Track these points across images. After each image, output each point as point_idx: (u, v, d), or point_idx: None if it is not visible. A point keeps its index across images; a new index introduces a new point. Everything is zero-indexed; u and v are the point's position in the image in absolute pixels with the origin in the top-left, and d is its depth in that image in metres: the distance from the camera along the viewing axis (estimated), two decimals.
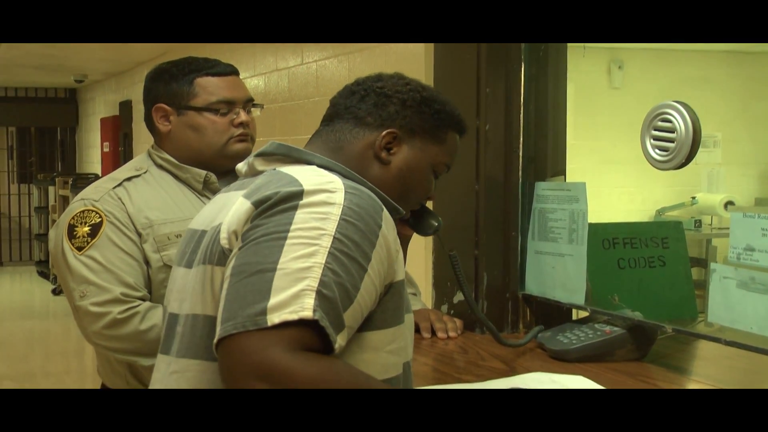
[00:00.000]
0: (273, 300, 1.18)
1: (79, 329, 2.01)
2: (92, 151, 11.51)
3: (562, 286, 2.23)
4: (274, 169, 1.42)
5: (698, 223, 5.85)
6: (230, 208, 1.35)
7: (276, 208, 1.27)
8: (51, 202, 10.02)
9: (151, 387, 1.43)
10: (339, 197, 1.28)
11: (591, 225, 2.22)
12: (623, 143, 5.25)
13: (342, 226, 1.25)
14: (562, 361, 2.02)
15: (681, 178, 5.76)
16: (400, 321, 1.37)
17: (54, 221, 9.66)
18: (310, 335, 1.19)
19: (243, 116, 2.07)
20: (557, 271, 2.24)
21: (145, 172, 2.09)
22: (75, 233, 1.98)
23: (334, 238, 1.24)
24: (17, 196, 12.99)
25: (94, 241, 1.97)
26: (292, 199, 1.28)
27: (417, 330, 2.23)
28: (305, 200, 1.27)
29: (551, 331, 2.13)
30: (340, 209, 1.27)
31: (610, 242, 2.29)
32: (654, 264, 2.32)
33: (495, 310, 2.34)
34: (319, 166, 1.42)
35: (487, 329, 2.07)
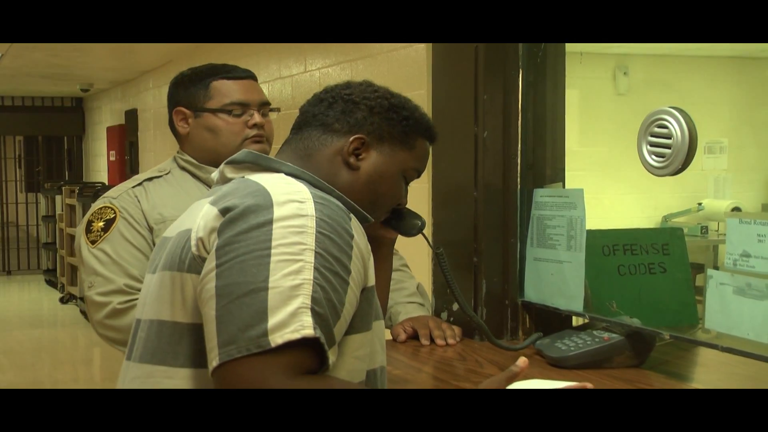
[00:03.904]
0: (272, 320, 1.18)
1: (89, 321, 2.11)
2: (99, 159, 11.54)
3: (561, 293, 2.22)
4: (243, 177, 1.42)
5: (705, 230, 5.83)
6: (197, 215, 1.35)
7: (248, 222, 1.27)
8: (58, 211, 10.02)
9: None
10: (309, 208, 1.29)
11: (591, 231, 2.21)
12: (629, 150, 5.21)
13: (320, 240, 1.26)
14: (561, 368, 2.01)
15: (688, 184, 5.75)
16: (368, 328, 1.38)
17: (61, 230, 9.68)
18: (309, 354, 1.20)
19: (257, 118, 2.13)
20: (556, 278, 2.23)
21: (167, 173, 2.19)
22: (91, 228, 2.09)
23: (316, 252, 1.24)
24: (25, 205, 13.02)
25: (106, 235, 2.07)
26: (262, 211, 1.28)
27: (415, 337, 2.23)
28: (277, 213, 1.27)
29: (550, 337, 2.13)
30: (314, 221, 1.27)
31: (610, 249, 2.29)
32: (654, 270, 2.31)
33: (494, 318, 2.33)
34: (287, 174, 1.42)
35: (479, 329, 2.07)
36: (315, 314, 1.20)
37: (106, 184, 9.86)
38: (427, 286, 2.54)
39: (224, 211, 1.30)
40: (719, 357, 1.92)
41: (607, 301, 2.25)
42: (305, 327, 1.18)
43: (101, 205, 2.13)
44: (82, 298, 8.71)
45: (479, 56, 2.30)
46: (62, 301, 9.56)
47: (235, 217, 1.28)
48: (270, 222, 1.26)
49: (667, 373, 2.00)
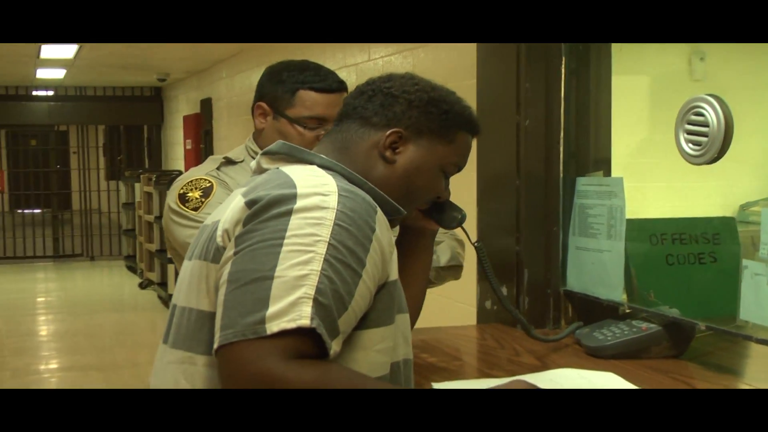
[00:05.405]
0: (271, 309, 1.20)
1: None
2: (176, 148, 11.74)
3: (602, 282, 2.20)
4: (277, 168, 1.44)
5: None
6: (230, 206, 1.38)
7: (270, 212, 1.29)
8: (137, 198, 10.25)
9: (152, 374, 1.46)
10: (332, 201, 1.29)
11: (638, 221, 2.19)
12: None
13: (336, 232, 1.26)
14: (598, 357, 2.00)
15: None
16: (390, 321, 1.38)
17: (140, 217, 9.91)
18: (307, 342, 1.21)
19: None
20: (596, 267, 2.22)
21: (241, 161, 2.20)
22: (188, 198, 2.09)
23: (329, 244, 1.25)
24: (107, 193, 13.36)
25: (208, 200, 2.07)
26: (285, 202, 1.29)
27: None
28: (299, 204, 1.28)
29: (589, 327, 2.12)
30: (334, 214, 1.28)
31: (657, 238, 2.26)
32: (704, 260, 2.28)
33: (537, 307, 2.33)
34: (320, 166, 1.43)
35: (516, 320, 2.05)
36: (317, 305, 1.22)
37: (183, 171, 10.03)
38: (470, 277, 2.54)
39: (250, 204, 1.32)
40: (764, 349, 1.88)
41: (653, 290, 2.22)
42: (302, 317, 1.20)
43: (192, 178, 2.13)
44: (159, 284, 8.92)
45: (521, 45, 2.29)
46: (141, 286, 9.80)
47: (259, 208, 1.30)
48: (290, 212, 1.28)
49: (705, 364, 1.97)
